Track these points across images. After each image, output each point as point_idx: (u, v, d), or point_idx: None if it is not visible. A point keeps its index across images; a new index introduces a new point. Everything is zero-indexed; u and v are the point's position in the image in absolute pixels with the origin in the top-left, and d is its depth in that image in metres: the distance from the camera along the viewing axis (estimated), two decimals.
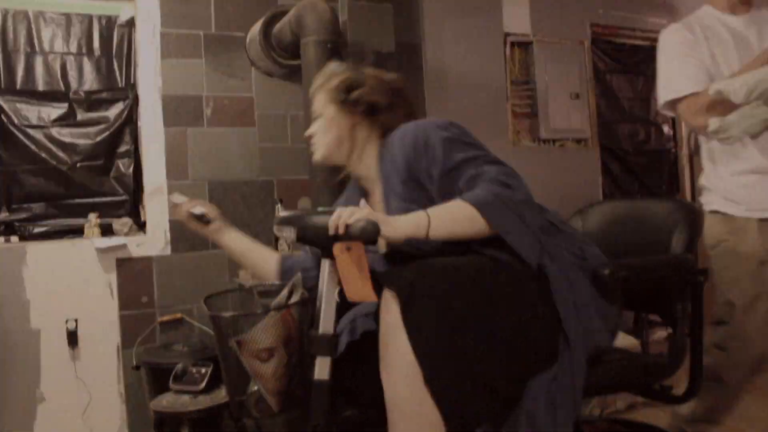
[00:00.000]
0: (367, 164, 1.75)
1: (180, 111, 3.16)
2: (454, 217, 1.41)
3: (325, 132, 1.76)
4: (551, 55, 4.01)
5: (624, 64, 4.50)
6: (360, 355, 1.53)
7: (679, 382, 1.68)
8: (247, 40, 3.27)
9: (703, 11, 2.17)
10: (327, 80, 1.77)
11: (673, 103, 2.09)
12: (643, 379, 1.67)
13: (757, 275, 1.99)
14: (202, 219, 1.85)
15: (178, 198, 1.89)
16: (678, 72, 2.08)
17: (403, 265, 1.40)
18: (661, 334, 3.55)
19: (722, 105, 1.85)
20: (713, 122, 1.84)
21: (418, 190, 1.58)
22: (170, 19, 3.15)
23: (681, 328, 1.62)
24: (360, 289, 1.24)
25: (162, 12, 3.14)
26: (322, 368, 1.37)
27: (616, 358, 1.62)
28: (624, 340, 2.87)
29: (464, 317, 1.34)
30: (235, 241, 1.94)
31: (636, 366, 1.68)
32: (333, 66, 1.81)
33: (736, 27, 2.10)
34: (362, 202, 1.51)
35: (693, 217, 1.70)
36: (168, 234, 3.10)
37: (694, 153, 4.75)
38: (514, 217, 1.41)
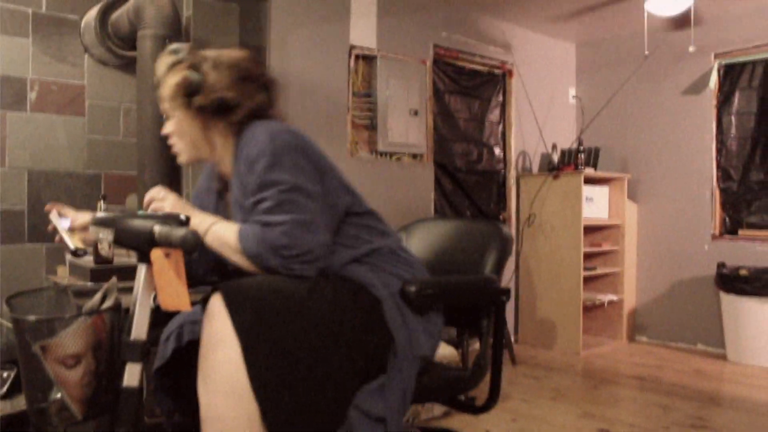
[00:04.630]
0: (225, 162, 1.70)
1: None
2: (226, 243, 1.53)
3: (180, 136, 1.68)
4: (394, 71, 4.14)
5: (462, 86, 4.72)
6: (187, 362, 1.52)
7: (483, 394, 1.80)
8: (82, 24, 3.10)
9: None
10: (166, 75, 1.63)
11: None
12: (447, 391, 1.75)
13: None
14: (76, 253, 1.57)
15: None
16: None
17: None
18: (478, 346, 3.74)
19: None
20: None
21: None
22: None
23: (485, 344, 1.74)
24: (175, 298, 1.22)
25: None
26: (131, 374, 1.34)
27: (426, 370, 1.69)
28: (444, 350, 3.02)
29: (297, 335, 1.38)
30: None
31: (440, 378, 1.72)
32: (170, 54, 1.65)
33: None
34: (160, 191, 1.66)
35: (503, 240, 1.83)
36: None
37: (521, 176, 5.07)
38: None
